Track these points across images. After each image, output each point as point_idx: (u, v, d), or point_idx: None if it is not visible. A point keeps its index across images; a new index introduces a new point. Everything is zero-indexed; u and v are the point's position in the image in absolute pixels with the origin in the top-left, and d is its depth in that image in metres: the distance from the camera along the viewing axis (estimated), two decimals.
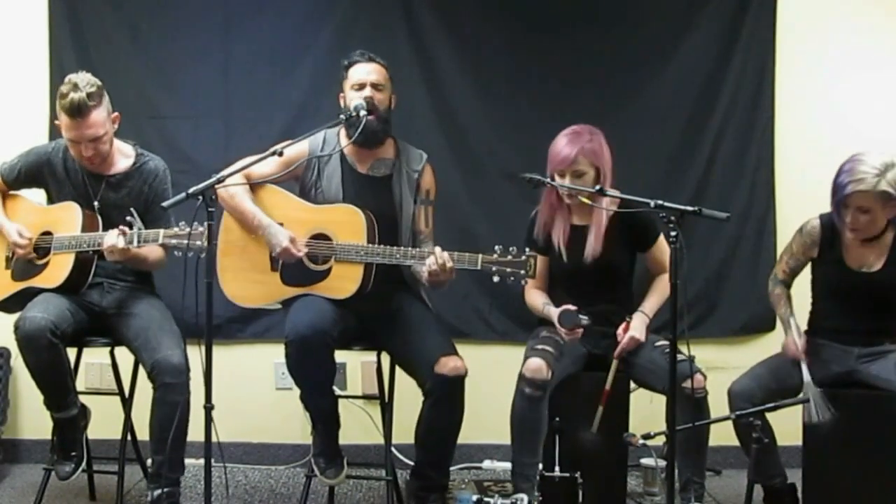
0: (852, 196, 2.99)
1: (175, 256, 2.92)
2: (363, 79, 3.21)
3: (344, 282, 3.10)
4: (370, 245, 3.09)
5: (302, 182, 3.31)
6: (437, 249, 2.98)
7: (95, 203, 3.24)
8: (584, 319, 3.13)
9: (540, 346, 3.18)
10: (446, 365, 3.06)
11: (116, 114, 3.22)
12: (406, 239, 3.23)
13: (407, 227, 3.25)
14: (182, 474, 3.20)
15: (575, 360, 3.26)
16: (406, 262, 3.09)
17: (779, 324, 3.81)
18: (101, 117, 3.13)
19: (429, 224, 3.31)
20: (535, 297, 3.36)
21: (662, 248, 3.29)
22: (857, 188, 2.97)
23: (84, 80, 3.10)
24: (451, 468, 3.37)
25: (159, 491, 3.11)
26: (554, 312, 3.21)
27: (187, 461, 3.22)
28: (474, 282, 4.05)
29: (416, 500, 3.22)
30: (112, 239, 3.03)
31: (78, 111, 3.06)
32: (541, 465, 3.16)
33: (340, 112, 3.20)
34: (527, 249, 2.92)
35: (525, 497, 3.07)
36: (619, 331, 3.20)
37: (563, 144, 3.18)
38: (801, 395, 3.09)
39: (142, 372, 3.24)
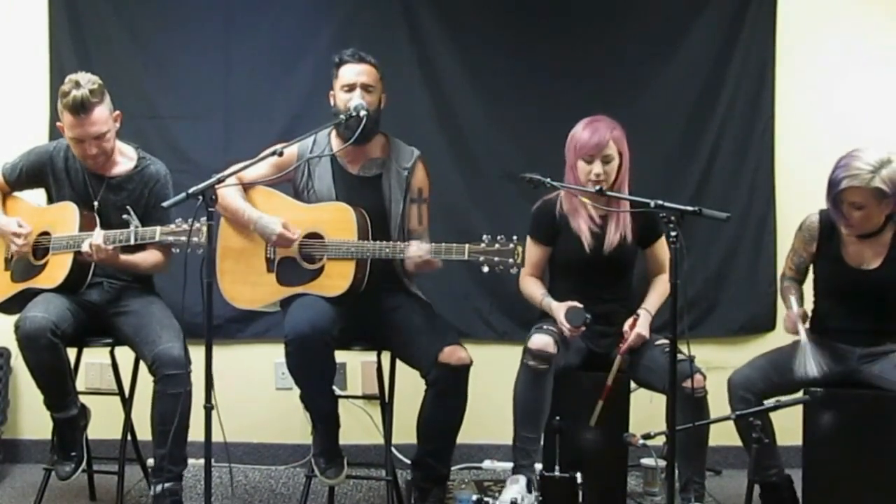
0: (846, 191, 2.99)
1: (176, 256, 2.93)
2: (354, 80, 3.20)
3: (336, 279, 3.10)
4: (360, 241, 3.09)
5: (294, 184, 3.32)
6: (415, 244, 3.00)
7: (95, 203, 3.25)
8: (588, 318, 3.14)
9: (546, 326, 3.19)
10: (452, 355, 3.07)
11: (118, 112, 3.22)
12: (397, 237, 3.23)
13: (396, 225, 3.24)
14: (185, 468, 3.19)
15: (576, 351, 3.27)
16: (396, 256, 3.09)
17: (779, 324, 3.83)
18: (104, 114, 3.14)
19: (423, 222, 3.31)
20: (533, 287, 3.36)
21: (663, 246, 3.32)
22: (850, 184, 2.97)
23: (85, 78, 3.11)
24: (452, 468, 3.37)
25: (161, 486, 3.10)
26: (556, 307, 3.22)
27: (188, 461, 3.22)
28: (474, 282, 4.06)
29: (418, 490, 3.23)
30: (93, 240, 3.04)
31: (82, 107, 3.07)
32: (541, 465, 3.16)
33: (333, 111, 3.20)
34: (514, 238, 2.91)
35: (522, 478, 3.07)
36: (626, 327, 3.21)
37: (591, 131, 3.20)
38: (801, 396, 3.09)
39: (142, 372, 3.25)
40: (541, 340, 3.13)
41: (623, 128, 3.26)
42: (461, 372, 3.09)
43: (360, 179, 3.28)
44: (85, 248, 3.06)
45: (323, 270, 3.14)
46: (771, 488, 3.24)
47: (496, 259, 2.89)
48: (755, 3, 4.09)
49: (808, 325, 3.17)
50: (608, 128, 3.21)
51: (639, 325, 3.20)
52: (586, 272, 3.30)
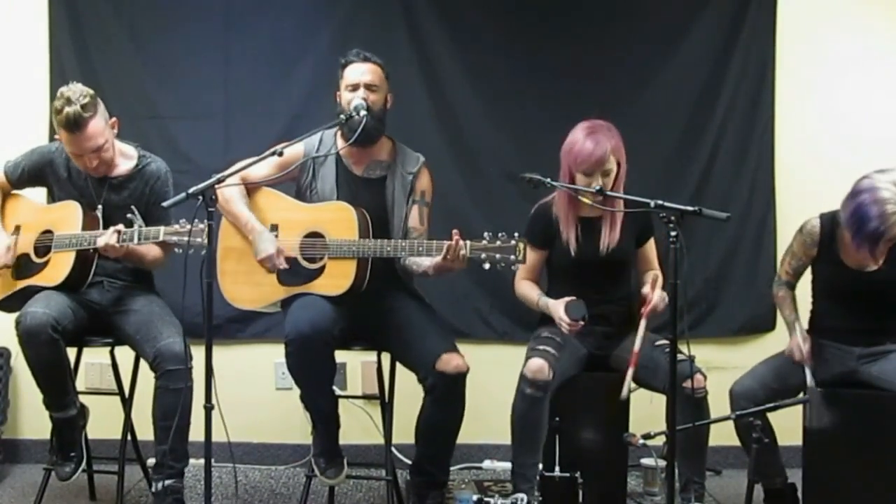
0: (889, 236, 2.94)
1: (175, 256, 2.93)
2: (358, 79, 3.20)
3: (337, 279, 3.10)
4: (361, 240, 3.09)
5: (298, 183, 3.32)
6: (456, 235, 2.93)
7: (99, 206, 3.25)
8: (586, 315, 3.14)
9: (541, 347, 3.18)
10: (449, 363, 3.06)
11: (114, 119, 3.21)
12: (398, 238, 3.22)
13: (398, 227, 3.25)
14: (186, 465, 3.18)
15: (576, 360, 3.26)
16: (397, 255, 3.09)
17: (779, 323, 3.82)
18: (99, 126, 3.12)
19: (423, 223, 3.30)
20: (528, 289, 3.36)
21: (653, 246, 3.38)
22: (894, 230, 2.91)
23: (77, 93, 3.08)
24: (452, 468, 3.37)
25: (162, 483, 3.10)
26: (554, 304, 3.21)
27: (190, 460, 3.22)
28: (474, 282, 4.06)
29: (416, 496, 3.23)
30: (106, 239, 3.04)
31: (75, 125, 3.06)
32: (541, 465, 3.16)
33: (338, 111, 3.21)
34: (516, 234, 2.90)
35: (524, 497, 3.07)
36: (646, 289, 3.17)
37: (591, 144, 3.13)
38: (802, 396, 3.10)
39: (142, 372, 3.25)
40: (535, 366, 3.11)
41: (619, 131, 3.25)
42: (458, 379, 3.09)
43: (364, 181, 3.28)
44: (100, 243, 3.05)
45: (324, 270, 3.14)
46: (776, 495, 3.24)
47: (498, 256, 2.89)
48: (755, 3, 4.09)
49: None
50: (607, 138, 3.15)
51: (658, 287, 3.16)
52: (584, 274, 3.29)
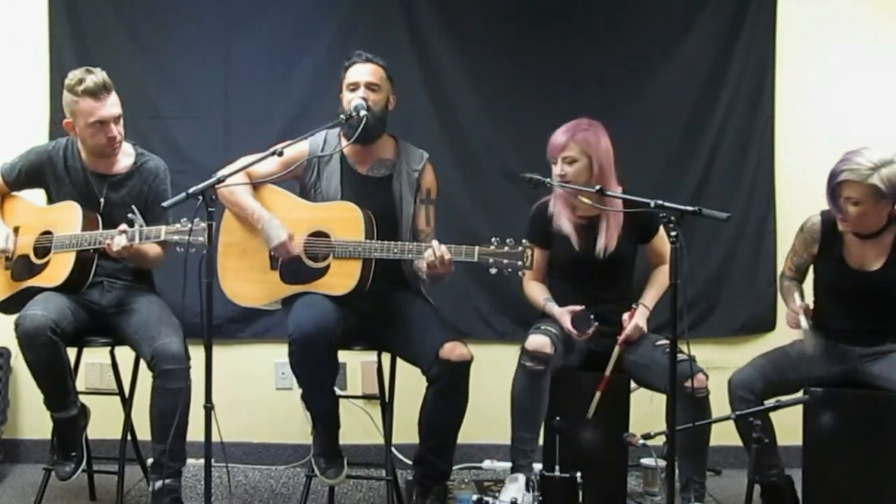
0: (843, 184, 3.00)
1: (175, 255, 2.93)
2: (358, 79, 3.21)
3: (342, 278, 3.10)
4: (367, 241, 3.09)
5: (302, 182, 3.32)
6: (435, 243, 2.98)
7: (101, 201, 3.25)
8: (594, 322, 3.17)
9: (544, 327, 3.21)
10: (452, 351, 3.07)
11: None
12: (406, 238, 3.23)
13: (407, 226, 3.25)
14: (184, 465, 3.19)
15: (577, 352, 3.29)
16: (403, 256, 3.09)
17: (779, 324, 3.82)
18: (118, 98, 3.18)
19: (430, 223, 3.31)
20: (535, 290, 3.38)
21: (663, 238, 3.36)
22: (848, 177, 2.98)
23: (93, 69, 3.16)
24: (452, 468, 3.37)
25: (160, 482, 3.10)
26: (559, 313, 3.23)
27: (188, 461, 3.22)
28: (474, 281, 4.06)
29: (420, 487, 3.23)
30: (120, 242, 3.04)
31: (104, 88, 3.12)
32: (540, 465, 3.16)
33: (340, 112, 3.21)
34: (524, 241, 2.92)
35: (521, 476, 3.07)
36: (625, 317, 3.24)
37: (559, 133, 3.26)
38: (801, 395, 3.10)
39: (142, 372, 3.25)
40: (537, 341, 3.13)
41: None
42: (462, 368, 3.10)
43: (369, 180, 3.29)
44: (116, 246, 3.05)
45: (328, 269, 3.14)
46: (772, 489, 3.24)
47: (506, 261, 2.90)
48: (755, 3, 4.10)
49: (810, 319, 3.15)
50: (575, 130, 3.25)
51: (636, 317, 3.23)
52: (583, 273, 3.31)
